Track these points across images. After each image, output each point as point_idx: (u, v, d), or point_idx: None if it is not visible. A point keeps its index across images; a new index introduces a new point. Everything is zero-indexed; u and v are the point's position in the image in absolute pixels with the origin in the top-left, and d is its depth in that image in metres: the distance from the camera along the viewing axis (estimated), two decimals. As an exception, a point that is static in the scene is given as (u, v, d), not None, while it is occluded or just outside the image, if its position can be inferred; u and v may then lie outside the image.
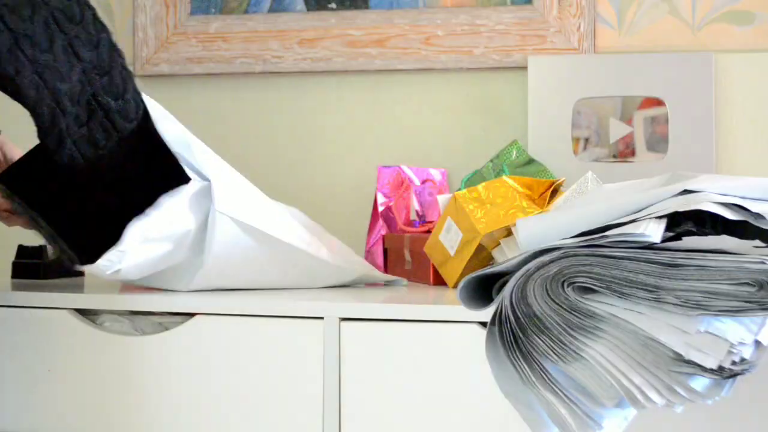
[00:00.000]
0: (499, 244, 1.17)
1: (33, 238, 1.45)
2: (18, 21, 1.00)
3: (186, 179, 1.09)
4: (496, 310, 0.80)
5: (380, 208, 1.45)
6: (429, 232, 1.32)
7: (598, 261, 0.76)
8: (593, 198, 0.88)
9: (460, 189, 1.41)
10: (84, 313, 1.15)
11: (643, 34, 1.58)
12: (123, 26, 1.73)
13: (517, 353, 0.79)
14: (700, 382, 0.72)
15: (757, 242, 0.82)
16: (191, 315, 1.11)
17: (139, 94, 1.11)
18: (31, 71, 1.01)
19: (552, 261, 0.78)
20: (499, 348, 0.80)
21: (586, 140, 1.57)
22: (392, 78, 1.66)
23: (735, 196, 0.76)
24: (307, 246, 1.17)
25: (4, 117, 1.20)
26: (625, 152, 1.55)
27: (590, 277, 0.76)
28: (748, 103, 1.55)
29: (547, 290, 0.77)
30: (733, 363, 0.72)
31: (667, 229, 0.77)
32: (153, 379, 1.11)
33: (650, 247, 0.75)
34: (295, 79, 1.68)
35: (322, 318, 1.07)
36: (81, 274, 1.39)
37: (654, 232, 0.74)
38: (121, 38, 1.74)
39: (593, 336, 0.76)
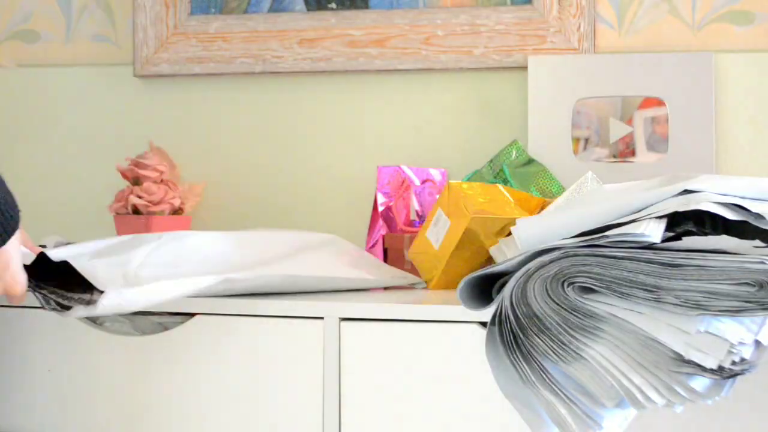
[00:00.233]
0: (497, 243, 1.17)
1: (33, 238, 1.45)
2: None
3: None
4: (496, 310, 0.80)
5: (380, 208, 1.45)
6: (429, 232, 1.32)
7: (598, 261, 0.76)
8: (593, 198, 0.88)
9: (460, 189, 1.41)
10: (84, 313, 1.15)
11: (643, 34, 1.58)
12: (123, 26, 1.73)
13: (517, 353, 0.79)
14: (700, 382, 0.73)
15: (757, 242, 0.82)
16: (191, 315, 1.11)
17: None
18: None
19: (552, 261, 0.78)
20: (499, 348, 0.80)
21: (586, 140, 1.57)
22: (392, 78, 1.66)
23: (735, 196, 0.76)
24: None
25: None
26: (625, 152, 1.55)
27: (590, 277, 0.76)
28: (748, 103, 1.55)
29: (547, 290, 0.77)
30: (733, 363, 0.72)
31: (667, 229, 0.77)
32: (153, 379, 1.11)
33: (650, 247, 0.75)
34: (295, 79, 1.68)
35: (322, 318, 1.07)
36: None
37: (654, 232, 0.74)
38: (121, 38, 1.74)
39: (593, 336, 0.76)
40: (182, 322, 1.11)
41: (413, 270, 1.29)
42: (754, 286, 0.71)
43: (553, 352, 0.77)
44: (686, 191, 0.78)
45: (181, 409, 1.10)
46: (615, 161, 1.55)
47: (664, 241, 0.76)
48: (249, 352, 1.09)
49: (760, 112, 1.55)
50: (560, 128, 1.56)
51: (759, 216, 0.75)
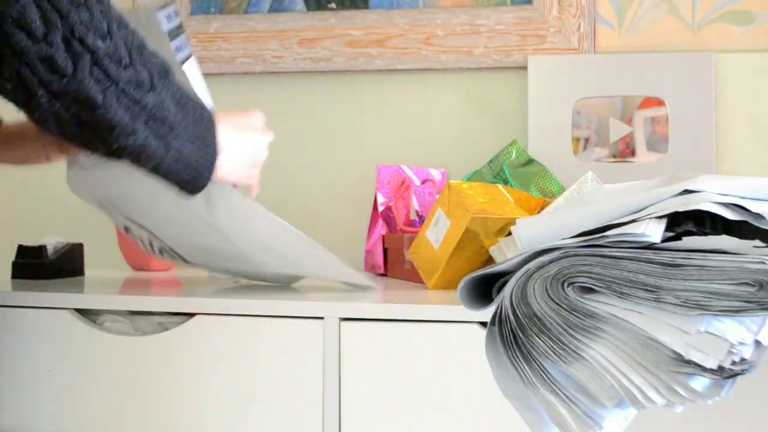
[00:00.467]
0: (497, 243, 1.17)
1: (33, 238, 1.45)
2: None
3: None
4: (496, 310, 0.80)
5: (380, 208, 1.45)
6: (429, 232, 1.32)
7: (598, 261, 0.76)
8: (593, 198, 0.87)
9: (460, 189, 1.41)
10: (84, 313, 1.15)
11: (643, 34, 1.58)
12: (123, 26, 1.73)
13: (517, 353, 0.79)
14: (700, 382, 0.72)
15: (757, 242, 0.82)
16: (191, 315, 1.11)
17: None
18: None
19: (552, 261, 0.78)
20: (499, 348, 0.80)
21: (586, 140, 1.57)
22: (392, 78, 1.66)
23: (735, 196, 0.76)
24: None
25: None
26: (625, 152, 1.55)
27: (590, 277, 0.76)
28: (748, 103, 1.55)
29: (547, 290, 0.77)
30: (733, 363, 0.72)
31: (667, 229, 0.77)
32: (153, 379, 1.11)
33: (650, 247, 0.75)
34: (295, 79, 1.68)
35: (322, 318, 1.07)
36: (82, 273, 1.39)
37: (654, 232, 0.74)
38: (121, 38, 1.74)
39: (593, 336, 0.76)
40: (182, 322, 1.11)
41: (413, 270, 1.29)
42: (754, 286, 0.71)
43: (553, 352, 0.76)
44: (686, 191, 0.78)
45: (180, 408, 1.10)
46: (615, 161, 1.55)
47: (664, 241, 0.76)
48: (249, 352, 1.09)
49: (760, 112, 1.55)
50: (560, 128, 1.56)
51: (759, 216, 0.75)
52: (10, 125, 1.12)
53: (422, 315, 1.05)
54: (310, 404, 1.07)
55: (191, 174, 0.93)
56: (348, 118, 1.67)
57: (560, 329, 0.76)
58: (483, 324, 1.02)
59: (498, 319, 0.80)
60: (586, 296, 0.76)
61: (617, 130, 1.55)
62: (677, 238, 0.83)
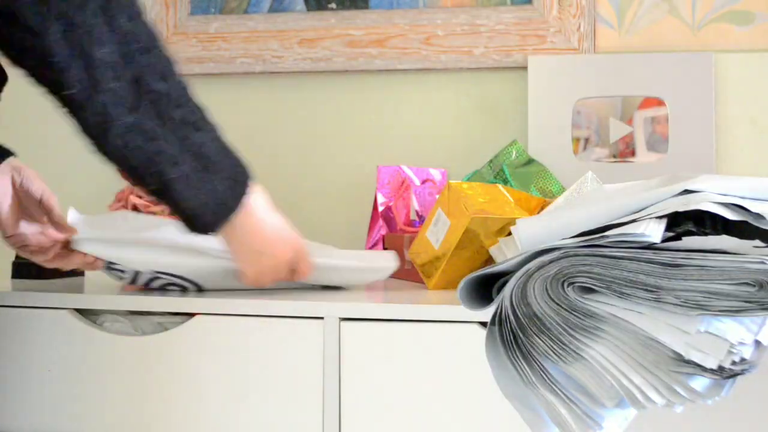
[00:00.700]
0: (497, 243, 1.17)
1: (33, 238, 1.45)
2: None
3: None
4: (496, 310, 0.80)
5: (380, 208, 1.45)
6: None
7: (598, 261, 0.76)
8: (593, 198, 0.87)
9: (460, 189, 1.41)
10: (84, 313, 1.15)
11: (643, 34, 1.58)
12: (123, 26, 1.73)
13: (517, 353, 0.79)
14: (700, 382, 0.72)
15: (757, 242, 0.82)
16: (191, 315, 1.11)
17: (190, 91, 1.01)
18: (60, 27, 0.86)
19: (552, 261, 0.78)
20: (499, 348, 0.80)
21: (586, 140, 1.57)
22: (392, 78, 1.66)
23: (735, 196, 0.76)
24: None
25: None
26: (625, 152, 1.55)
27: (590, 277, 0.76)
28: (748, 103, 1.55)
29: (547, 290, 0.77)
30: (733, 363, 0.72)
31: (667, 229, 0.77)
32: (153, 379, 1.11)
33: (650, 247, 0.75)
34: (295, 79, 1.68)
35: (322, 318, 1.07)
36: (82, 273, 1.39)
37: (654, 232, 0.74)
38: (121, 38, 1.74)
39: (593, 336, 0.76)
40: (182, 322, 1.11)
41: (413, 270, 1.29)
42: (754, 286, 0.71)
43: (553, 352, 0.77)
44: (686, 191, 0.78)
45: (180, 408, 1.10)
46: (615, 161, 1.55)
47: (664, 241, 0.76)
48: (249, 352, 1.09)
49: (760, 112, 1.55)
50: (560, 128, 1.56)
51: (759, 216, 0.75)
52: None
53: (422, 315, 1.05)
54: (310, 404, 1.07)
55: (213, 210, 0.98)
56: (348, 118, 1.67)
57: (560, 329, 0.76)
58: (483, 324, 1.02)
59: (498, 319, 0.80)
60: (586, 296, 0.76)
61: (617, 130, 1.55)
62: (677, 238, 0.83)
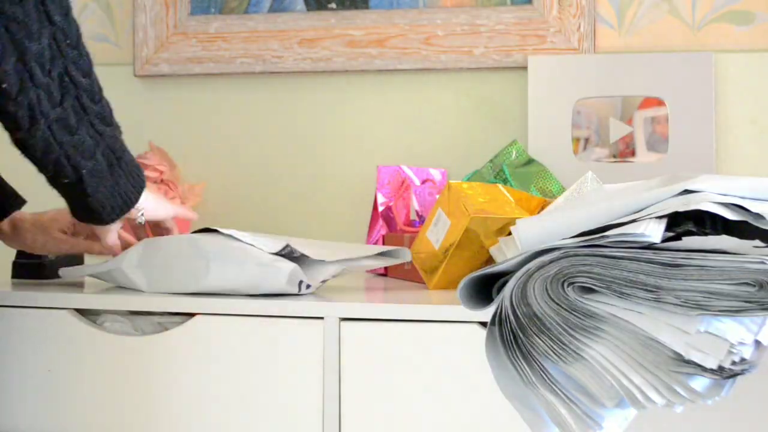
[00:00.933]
0: (497, 243, 1.17)
1: (33, 238, 1.45)
2: None
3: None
4: (496, 310, 0.80)
5: (380, 208, 1.45)
6: (429, 232, 1.32)
7: (598, 261, 0.76)
8: (593, 198, 0.87)
9: (460, 189, 1.41)
10: (84, 313, 1.15)
11: (643, 34, 1.58)
12: (123, 26, 1.73)
13: (517, 353, 0.79)
14: (700, 382, 0.72)
15: (757, 242, 0.82)
16: (191, 315, 1.11)
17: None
18: None
19: (552, 261, 0.78)
20: (499, 348, 0.80)
21: (586, 140, 1.57)
22: (392, 78, 1.66)
23: (735, 196, 0.76)
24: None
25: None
26: (625, 152, 1.55)
27: (590, 277, 0.76)
28: (748, 103, 1.55)
29: (547, 290, 0.77)
30: (733, 363, 0.72)
31: (667, 229, 0.77)
32: (153, 379, 1.11)
33: (650, 247, 0.75)
34: (295, 79, 1.68)
35: (322, 318, 1.07)
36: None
37: (654, 232, 0.74)
38: (121, 38, 1.74)
39: (593, 336, 0.76)
40: (182, 322, 1.11)
41: (414, 270, 1.29)
42: (754, 286, 0.71)
43: (553, 352, 0.77)
44: (686, 191, 0.78)
45: (180, 408, 1.10)
46: (615, 161, 1.55)
47: (664, 241, 0.76)
48: (249, 352, 1.09)
49: (760, 112, 1.55)
50: (560, 128, 1.56)
51: (759, 216, 0.75)
52: (25, 218, 1.25)
53: (422, 315, 1.05)
54: (310, 404, 1.07)
55: (119, 203, 1.07)
56: (348, 118, 1.67)
57: (560, 329, 0.76)
58: (483, 324, 1.02)
59: (498, 319, 0.80)
60: (586, 296, 0.76)
61: (617, 130, 1.55)
62: (677, 238, 0.83)
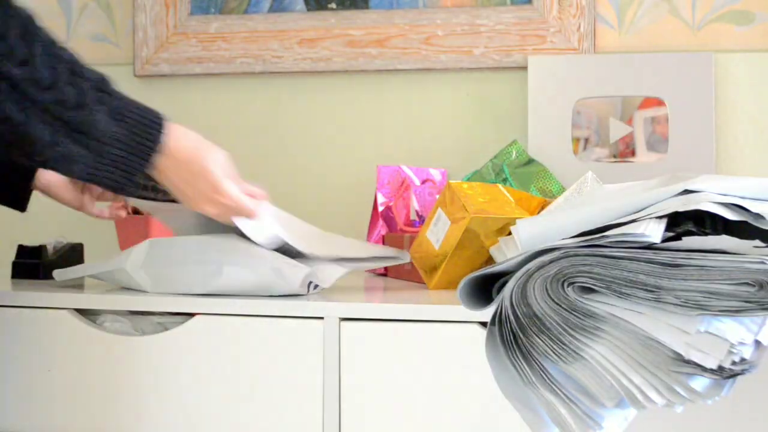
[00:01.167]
0: (497, 243, 1.17)
1: (33, 238, 1.45)
2: None
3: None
4: (496, 310, 0.80)
5: (380, 208, 1.45)
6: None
7: (598, 261, 0.76)
8: (593, 198, 0.87)
9: (460, 189, 1.41)
10: (84, 313, 1.15)
11: (643, 34, 1.58)
12: (123, 26, 1.73)
13: (517, 353, 0.79)
14: (700, 382, 0.72)
15: (757, 242, 0.82)
16: (191, 315, 1.11)
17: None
18: None
19: (552, 261, 0.78)
20: (499, 348, 0.80)
21: (586, 140, 1.57)
22: (392, 78, 1.66)
23: (735, 196, 0.76)
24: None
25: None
26: (625, 152, 1.55)
27: (590, 277, 0.76)
28: (748, 103, 1.55)
29: (547, 290, 0.77)
30: (733, 363, 0.72)
31: (667, 229, 0.77)
32: (153, 379, 1.11)
33: (650, 247, 0.75)
34: (295, 79, 1.68)
35: (322, 318, 1.07)
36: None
37: (654, 232, 0.74)
38: (121, 38, 1.74)
39: (593, 336, 0.76)
40: (182, 322, 1.11)
41: (414, 270, 1.29)
42: (754, 286, 0.71)
43: (553, 352, 0.77)
44: (686, 191, 0.78)
45: (181, 408, 1.10)
46: (615, 161, 1.55)
47: (664, 241, 0.76)
48: (249, 352, 1.09)
49: (760, 112, 1.55)
50: (560, 128, 1.56)
51: (759, 216, 0.75)
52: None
53: (422, 315, 1.05)
54: (310, 404, 1.07)
55: (122, 175, 1.00)
56: (348, 118, 1.67)
57: (560, 329, 0.76)
58: (483, 324, 1.02)
59: (498, 319, 0.80)
60: (586, 296, 0.76)
61: (617, 130, 1.55)
62: (677, 238, 0.83)
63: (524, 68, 1.59)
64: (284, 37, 1.67)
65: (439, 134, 1.64)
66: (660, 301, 0.73)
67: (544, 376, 0.77)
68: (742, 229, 0.80)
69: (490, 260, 1.20)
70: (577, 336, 0.76)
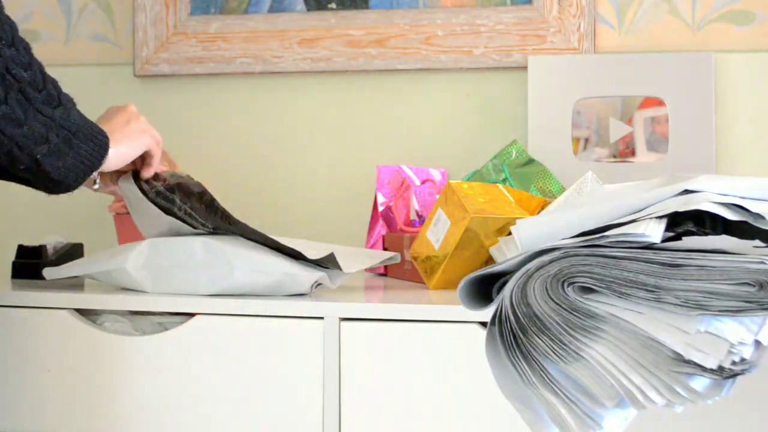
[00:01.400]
0: (497, 243, 1.17)
1: (33, 238, 1.45)
2: None
3: None
4: (496, 310, 0.80)
5: (380, 208, 1.45)
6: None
7: (598, 261, 0.76)
8: (593, 198, 0.87)
9: (460, 189, 1.41)
10: (84, 313, 1.15)
11: (643, 34, 1.58)
12: (123, 26, 1.73)
13: (517, 353, 0.79)
14: (700, 382, 0.72)
15: (757, 242, 0.82)
16: (191, 315, 1.11)
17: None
18: None
19: (552, 261, 0.78)
20: (499, 348, 0.80)
21: (586, 140, 1.57)
22: (392, 78, 1.66)
23: (735, 196, 0.76)
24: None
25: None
26: (625, 152, 1.55)
27: (590, 277, 0.76)
28: (748, 103, 1.55)
29: (547, 290, 0.77)
30: (733, 363, 0.72)
31: (667, 229, 0.77)
32: (153, 379, 1.11)
33: (650, 247, 0.75)
34: (295, 79, 1.68)
35: (322, 318, 1.07)
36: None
37: (654, 232, 0.74)
38: (121, 38, 1.74)
39: (593, 336, 0.76)
40: (182, 322, 1.11)
41: (414, 270, 1.29)
42: (754, 286, 0.71)
43: (553, 352, 0.77)
44: (686, 191, 0.78)
45: (181, 408, 1.10)
46: (615, 161, 1.55)
47: (664, 241, 0.76)
48: (249, 352, 1.09)
49: (760, 112, 1.55)
50: (560, 128, 1.56)
51: (759, 216, 0.75)
52: None
53: (422, 315, 1.05)
54: (310, 404, 1.07)
55: (82, 172, 1.08)
56: (348, 118, 1.67)
57: (560, 329, 0.76)
58: (483, 324, 1.02)
59: (498, 319, 0.80)
60: (586, 296, 0.76)
61: (617, 130, 1.55)
62: (677, 238, 0.83)
63: (524, 68, 1.59)
64: (284, 37, 1.67)
65: (439, 134, 1.64)
66: (660, 301, 0.73)
67: (544, 376, 0.77)
68: (742, 229, 0.80)
69: (490, 260, 1.20)
70: (577, 336, 0.76)
